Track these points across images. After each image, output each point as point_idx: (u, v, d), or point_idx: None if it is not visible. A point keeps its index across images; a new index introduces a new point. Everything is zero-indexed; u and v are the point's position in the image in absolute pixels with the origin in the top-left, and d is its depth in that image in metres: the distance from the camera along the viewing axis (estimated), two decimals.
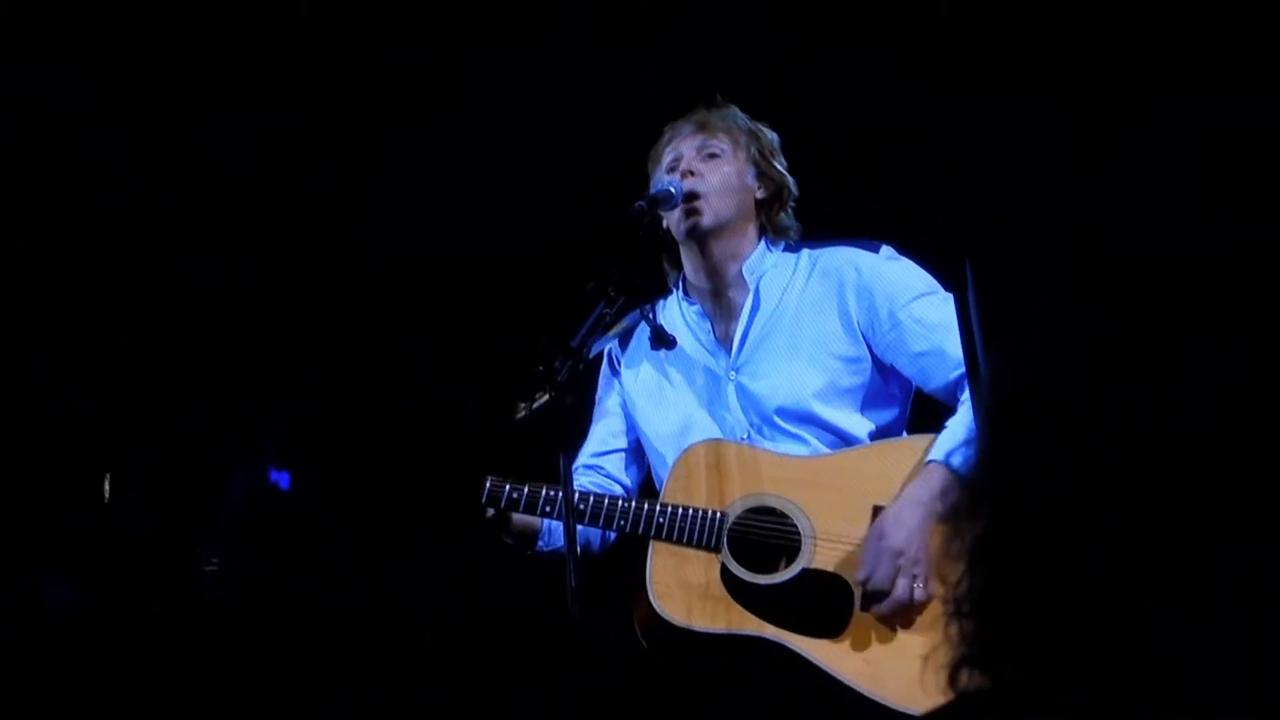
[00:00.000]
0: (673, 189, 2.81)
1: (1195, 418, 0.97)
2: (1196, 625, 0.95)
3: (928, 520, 2.59)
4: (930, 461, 2.67)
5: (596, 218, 3.02)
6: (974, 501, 1.07)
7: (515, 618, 3.16)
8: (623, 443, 3.02)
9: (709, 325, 2.93)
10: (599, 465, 2.99)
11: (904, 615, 2.60)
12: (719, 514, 2.70)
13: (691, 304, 2.96)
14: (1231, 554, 0.95)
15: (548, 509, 2.72)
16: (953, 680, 1.06)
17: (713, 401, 2.87)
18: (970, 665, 1.05)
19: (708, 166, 2.86)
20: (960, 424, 2.69)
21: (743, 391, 2.84)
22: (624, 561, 2.81)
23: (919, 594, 2.58)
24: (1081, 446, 1.00)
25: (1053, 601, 1.00)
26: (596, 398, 3.07)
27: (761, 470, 2.73)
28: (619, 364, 3.04)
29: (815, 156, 3.15)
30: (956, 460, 2.62)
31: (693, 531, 2.68)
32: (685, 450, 2.79)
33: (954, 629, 1.06)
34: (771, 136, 2.97)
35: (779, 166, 2.94)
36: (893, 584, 2.58)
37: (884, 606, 2.59)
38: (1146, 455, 0.98)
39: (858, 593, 2.64)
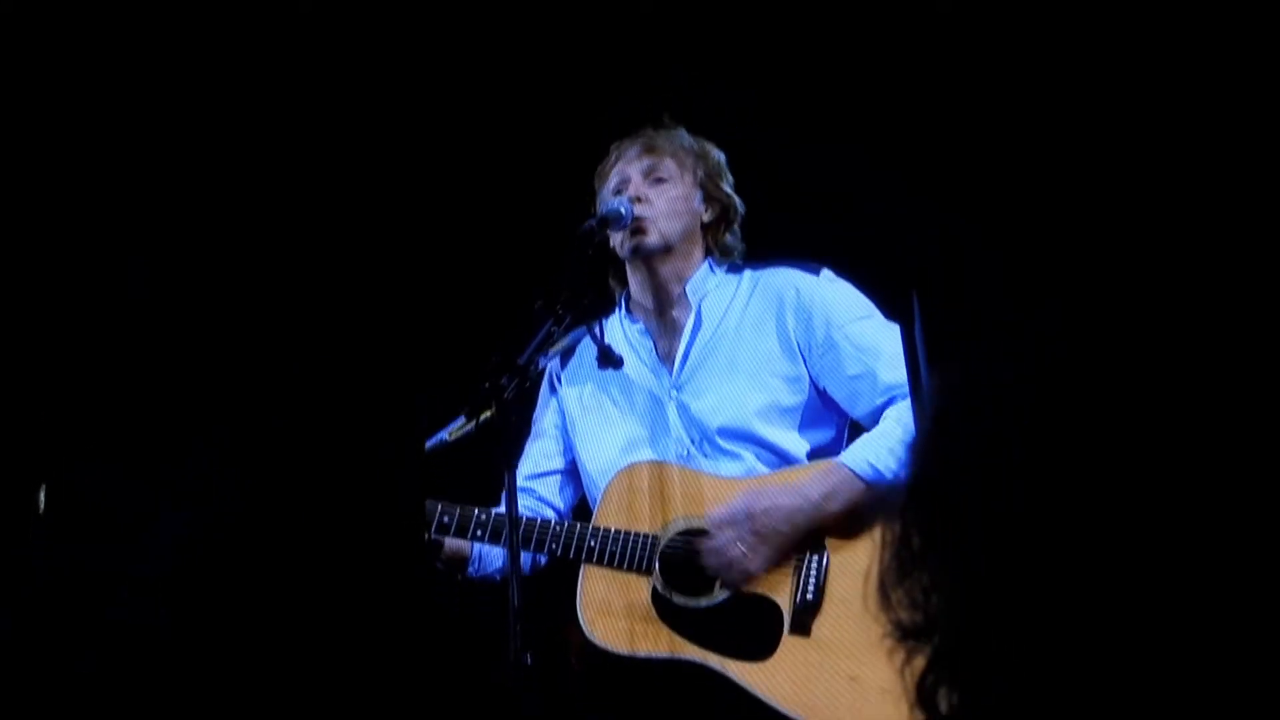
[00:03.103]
0: (623, 209, 2.80)
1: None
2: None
3: (804, 512, 2.64)
4: (837, 462, 2.70)
5: (542, 236, 3.01)
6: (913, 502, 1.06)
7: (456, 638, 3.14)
8: (558, 464, 2.99)
9: (651, 344, 2.92)
10: (531, 488, 2.96)
11: (737, 577, 2.65)
12: (651, 536, 2.69)
13: (634, 321, 2.95)
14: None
15: (479, 532, 2.70)
16: (928, 702, 1.03)
17: (653, 420, 2.86)
18: (941, 683, 1.02)
19: (655, 191, 2.86)
20: (878, 433, 2.71)
21: (683, 410, 2.83)
22: (558, 584, 2.80)
23: (744, 562, 2.63)
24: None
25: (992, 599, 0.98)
26: (534, 417, 3.04)
27: (702, 492, 2.72)
28: (559, 383, 3.02)
29: (763, 176, 3.16)
30: (860, 465, 2.67)
31: (624, 554, 2.67)
32: (621, 471, 2.77)
33: (911, 653, 1.04)
34: (718, 156, 2.97)
35: (725, 187, 2.94)
36: (727, 544, 2.63)
37: (709, 560, 2.65)
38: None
39: (787, 615, 2.63)
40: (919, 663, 1.03)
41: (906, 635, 1.03)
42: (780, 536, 2.64)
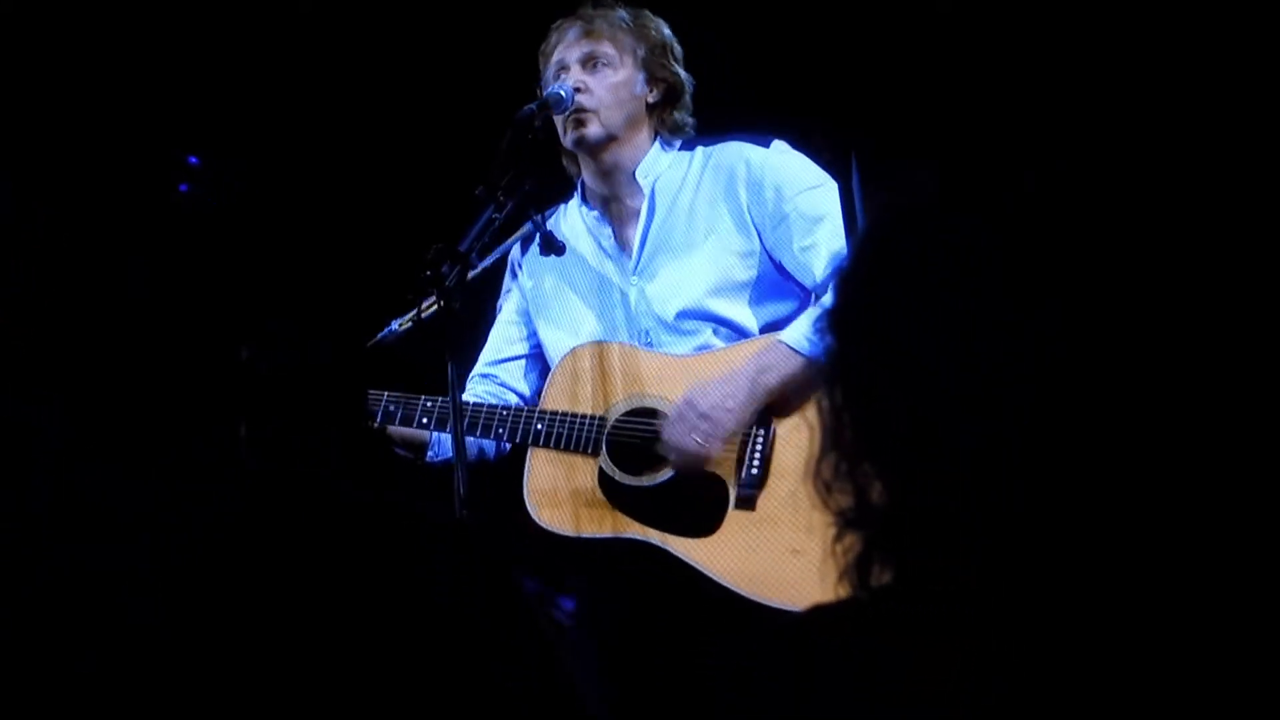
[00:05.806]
0: (563, 92, 2.75)
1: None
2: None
3: (742, 389, 2.64)
4: (775, 338, 2.68)
5: (488, 121, 2.96)
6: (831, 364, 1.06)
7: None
8: (520, 349, 2.98)
9: (610, 230, 2.89)
10: (493, 374, 2.96)
11: (695, 468, 2.65)
12: (597, 418, 2.69)
13: (591, 209, 2.91)
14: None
15: (425, 420, 2.72)
16: (863, 578, 1.04)
17: (613, 307, 2.84)
18: (875, 560, 1.03)
19: (594, 79, 2.79)
20: (820, 306, 2.68)
21: (643, 296, 2.81)
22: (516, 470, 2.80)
23: (704, 450, 2.63)
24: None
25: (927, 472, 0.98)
26: (497, 305, 3.04)
27: (643, 370, 2.72)
28: (520, 269, 3.00)
29: (711, 51, 3.08)
30: (796, 340, 2.65)
31: (571, 437, 2.67)
32: (567, 354, 2.77)
33: (848, 532, 1.04)
34: (660, 31, 2.87)
35: (672, 63, 2.87)
36: (681, 438, 2.63)
37: (669, 457, 2.65)
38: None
39: (732, 491, 2.63)
40: (852, 541, 1.04)
41: (849, 524, 1.04)
42: (728, 417, 2.63)
